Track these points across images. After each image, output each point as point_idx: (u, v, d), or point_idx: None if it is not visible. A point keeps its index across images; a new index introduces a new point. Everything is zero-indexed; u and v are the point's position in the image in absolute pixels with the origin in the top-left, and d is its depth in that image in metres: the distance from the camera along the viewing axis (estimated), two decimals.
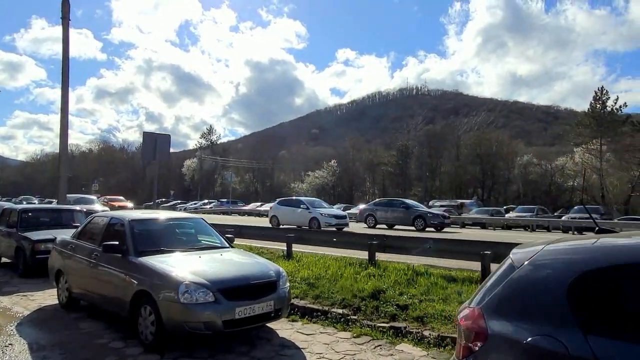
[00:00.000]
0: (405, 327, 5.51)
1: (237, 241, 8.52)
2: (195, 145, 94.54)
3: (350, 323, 5.93)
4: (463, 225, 29.58)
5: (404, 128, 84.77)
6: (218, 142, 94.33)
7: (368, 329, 5.68)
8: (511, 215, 31.61)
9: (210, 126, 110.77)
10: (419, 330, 5.40)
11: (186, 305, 4.59)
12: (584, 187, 53.28)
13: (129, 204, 30.02)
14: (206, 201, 55.23)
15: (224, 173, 75.89)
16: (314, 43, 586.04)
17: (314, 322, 6.14)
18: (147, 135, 11.69)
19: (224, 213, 42.63)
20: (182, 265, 5.11)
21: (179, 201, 58.73)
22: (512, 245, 7.17)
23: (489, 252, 6.79)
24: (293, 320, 6.16)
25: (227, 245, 6.37)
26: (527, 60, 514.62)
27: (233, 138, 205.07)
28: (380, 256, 8.51)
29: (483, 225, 29.20)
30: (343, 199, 66.20)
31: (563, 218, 28.23)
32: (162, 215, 6.61)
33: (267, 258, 9.79)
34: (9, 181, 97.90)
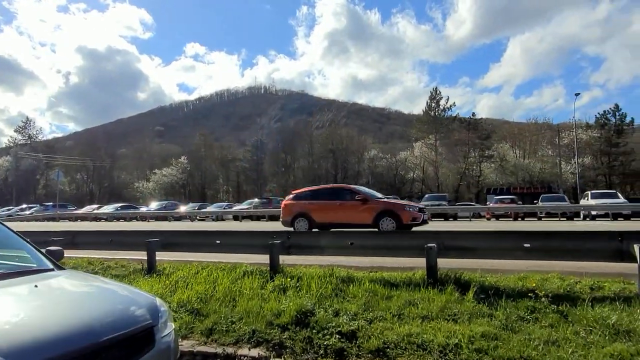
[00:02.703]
0: None
1: (68, 254, 5.64)
2: (8, 141, 78.29)
3: None
4: None
5: (257, 124, 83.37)
6: (40, 138, 79.61)
7: None
8: None
9: (27, 118, 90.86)
10: None
11: None
12: (423, 178, 58.84)
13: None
14: (25, 206, 45.47)
15: (50, 173, 64.35)
16: (161, 34, 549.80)
17: None
18: None
19: (50, 219, 35.33)
20: None
21: None
22: (457, 233, 5.71)
23: (433, 245, 5.28)
24: None
25: (49, 266, 3.57)
26: (366, 66, 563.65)
27: (61, 134, 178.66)
28: (283, 259, 6.45)
29: None
30: (195, 197, 62.70)
31: None
32: None
33: (115, 275, 6.94)
34: None
